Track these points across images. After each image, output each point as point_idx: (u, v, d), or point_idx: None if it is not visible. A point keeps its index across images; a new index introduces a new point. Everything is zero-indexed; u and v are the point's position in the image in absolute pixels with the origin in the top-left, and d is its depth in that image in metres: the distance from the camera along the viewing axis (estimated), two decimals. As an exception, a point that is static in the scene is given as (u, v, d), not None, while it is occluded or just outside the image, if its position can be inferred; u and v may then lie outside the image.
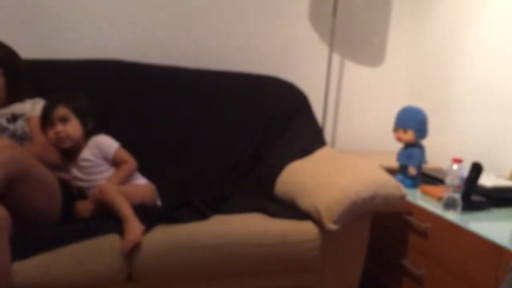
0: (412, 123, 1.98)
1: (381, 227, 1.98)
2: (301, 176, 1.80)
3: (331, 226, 1.55)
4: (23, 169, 1.34)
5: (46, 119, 1.66)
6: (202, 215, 1.59)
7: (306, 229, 1.61)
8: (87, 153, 1.71)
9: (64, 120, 1.66)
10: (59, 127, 1.65)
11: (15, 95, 1.75)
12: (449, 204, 1.66)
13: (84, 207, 1.62)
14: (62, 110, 1.66)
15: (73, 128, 1.67)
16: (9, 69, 1.72)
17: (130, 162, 1.74)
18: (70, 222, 1.53)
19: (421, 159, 1.99)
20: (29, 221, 1.40)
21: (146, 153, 1.89)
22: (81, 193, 1.70)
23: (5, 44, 1.76)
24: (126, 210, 1.49)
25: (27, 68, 1.81)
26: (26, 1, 2.10)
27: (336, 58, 2.61)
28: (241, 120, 2.15)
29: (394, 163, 2.12)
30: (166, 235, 1.48)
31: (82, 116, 1.70)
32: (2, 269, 1.23)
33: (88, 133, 1.75)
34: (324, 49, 2.56)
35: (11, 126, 1.66)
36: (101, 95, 1.95)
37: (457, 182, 1.69)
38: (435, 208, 1.72)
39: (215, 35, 2.39)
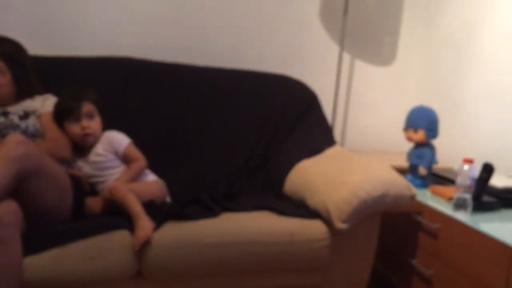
0: (423, 123, 1.96)
1: (390, 227, 1.97)
2: (311, 175, 1.80)
3: (340, 225, 1.55)
4: (35, 165, 1.35)
5: (71, 114, 1.67)
6: (212, 213, 1.60)
7: (315, 228, 1.61)
8: (99, 148, 1.72)
9: (90, 116, 1.69)
10: (85, 123, 1.67)
11: (24, 91, 1.76)
12: (460, 205, 1.65)
13: (94, 204, 1.63)
14: (89, 106, 1.69)
15: (96, 124, 1.71)
16: (14, 64, 1.72)
17: (140, 160, 1.75)
18: (81, 219, 1.54)
19: (432, 159, 1.98)
20: (40, 217, 1.42)
21: (154, 150, 1.90)
22: (93, 190, 1.71)
23: (11, 39, 1.75)
24: (136, 208, 1.50)
25: (35, 63, 1.81)
26: (39, -1, 2.12)
27: (346, 57, 2.60)
28: (251, 118, 2.15)
29: (404, 163, 2.11)
30: (175, 232, 1.48)
31: (101, 112, 1.74)
32: (13, 263, 1.24)
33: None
34: (334, 48, 2.56)
35: (23, 124, 1.67)
36: (110, 92, 1.96)
37: (468, 182, 1.68)
38: (445, 208, 1.71)
39: (225, 34, 2.39)
